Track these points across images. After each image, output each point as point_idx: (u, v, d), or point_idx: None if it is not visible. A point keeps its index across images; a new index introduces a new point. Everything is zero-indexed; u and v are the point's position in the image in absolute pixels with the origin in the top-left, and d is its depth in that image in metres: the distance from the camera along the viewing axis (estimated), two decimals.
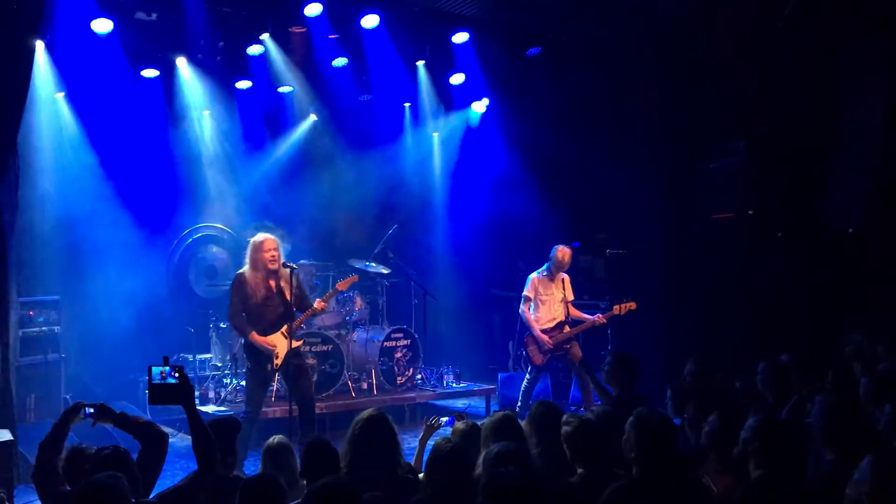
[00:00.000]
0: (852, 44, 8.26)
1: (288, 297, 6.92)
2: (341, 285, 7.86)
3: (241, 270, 7.12)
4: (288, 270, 6.94)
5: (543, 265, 8.59)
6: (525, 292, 8.57)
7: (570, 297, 8.59)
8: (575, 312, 8.54)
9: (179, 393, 3.82)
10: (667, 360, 9.05)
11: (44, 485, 3.92)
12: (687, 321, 9.41)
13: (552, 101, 10.42)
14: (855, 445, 3.73)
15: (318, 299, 7.35)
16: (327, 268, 9.73)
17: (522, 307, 8.57)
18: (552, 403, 4.76)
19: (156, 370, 3.82)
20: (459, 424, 4.69)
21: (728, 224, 9.24)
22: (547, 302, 8.50)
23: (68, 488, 3.89)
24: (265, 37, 9.04)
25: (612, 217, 10.30)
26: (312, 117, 10.92)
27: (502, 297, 11.23)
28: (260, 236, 7.19)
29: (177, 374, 3.81)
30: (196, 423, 3.80)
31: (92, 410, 4.16)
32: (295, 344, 7.04)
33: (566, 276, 8.60)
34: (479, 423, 4.66)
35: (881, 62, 8.12)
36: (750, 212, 9.05)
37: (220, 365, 9.22)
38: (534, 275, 8.59)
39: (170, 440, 4.38)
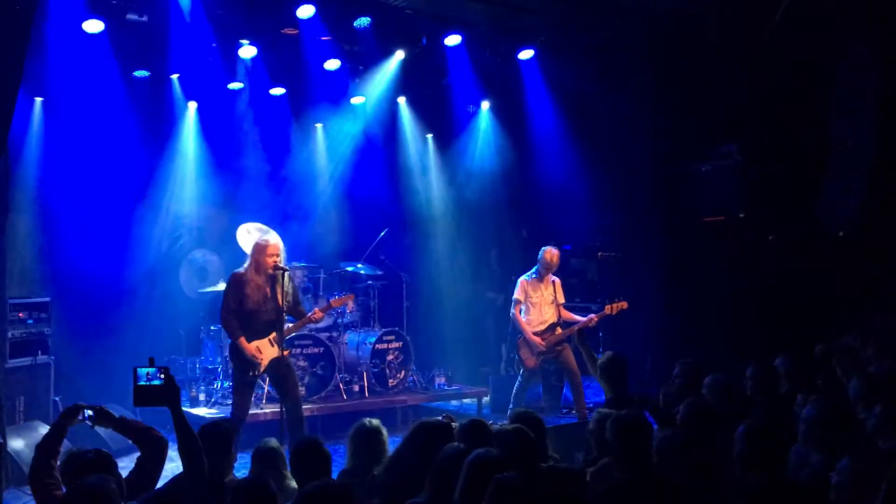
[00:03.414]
0: (844, 47, 8.29)
1: (281, 303, 6.88)
2: (336, 302, 7.83)
3: (239, 270, 7.03)
4: (286, 276, 6.92)
5: (532, 268, 8.59)
6: (515, 295, 8.55)
7: (561, 300, 8.58)
8: (567, 315, 8.54)
9: (165, 394, 3.79)
10: (659, 362, 9.08)
11: (39, 487, 3.88)
12: (679, 323, 9.43)
13: (545, 103, 10.43)
14: (843, 447, 3.73)
15: (316, 309, 7.31)
16: (318, 270, 9.70)
17: (513, 310, 8.56)
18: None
19: (141, 371, 3.79)
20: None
21: (720, 227, 9.26)
22: (537, 304, 8.49)
23: (64, 490, 3.86)
24: (257, 38, 9.04)
25: (604, 219, 10.31)
26: (318, 126, 10.94)
27: (494, 299, 11.24)
28: (264, 238, 7.14)
29: (162, 376, 3.77)
30: (182, 426, 3.78)
31: (90, 413, 4.12)
32: (284, 353, 6.99)
33: (557, 280, 8.60)
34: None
35: (873, 65, 8.15)
36: (742, 215, 9.07)
37: (210, 367, 9.18)
38: (523, 278, 8.58)
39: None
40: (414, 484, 3.85)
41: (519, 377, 8.73)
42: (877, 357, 5.96)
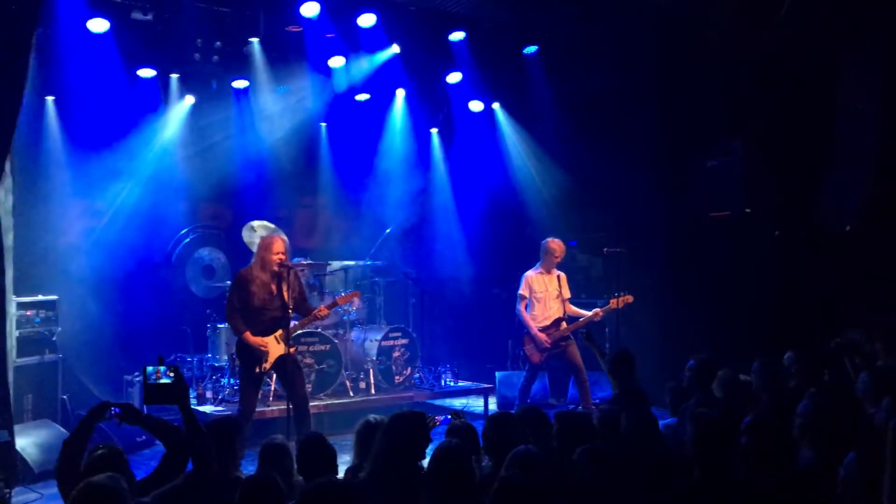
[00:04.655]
0: (849, 42, 8.26)
1: (287, 300, 6.89)
2: (342, 300, 7.84)
3: (245, 268, 7.08)
4: (292, 273, 6.93)
5: (537, 263, 8.58)
6: (520, 291, 8.54)
7: (567, 294, 8.57)
8: (572, 310, 8.52)
9: (174, 392, 3.83)
10: (664, 358, 9.06)
11: (66, 483, 3.90)
12: (684, 319, 9.41)
13: (549, 99, 10.42)
14: (836, 444, 3.73)
15: (321, 306, 7.35)
16: (323, 267, 9.71)
17: (518, 306, 8.55)
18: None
19: (150, 370, 3.83)
20: (456, 423, 4.70)
21: (725, 222, 9.25)
22: (542, 299, 8.47)
23: None
24: (262, 36, 9.05)
25: (609, 215, 10.29)
26: (322, 125, 10.97)
27: (500, 295, 11.23)
28: (270, 237, 7.18)
29: (171, 374, 3.81)
30: (191, 423, 3.80)
31: (118, 410, 4.16)
32: (290, 350, 7.00)
33: (562, 274, 8.58)
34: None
35: (877, 60, 8.13)
36: (747, 210, 9.06)
37: (217, 365, 9.21)
38: (528, 272, 8.57)
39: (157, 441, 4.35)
40: (404, 481, 3.87)
41: (525, 373, 8.73)
42: (884, 352, 5.94)
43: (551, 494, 3.30)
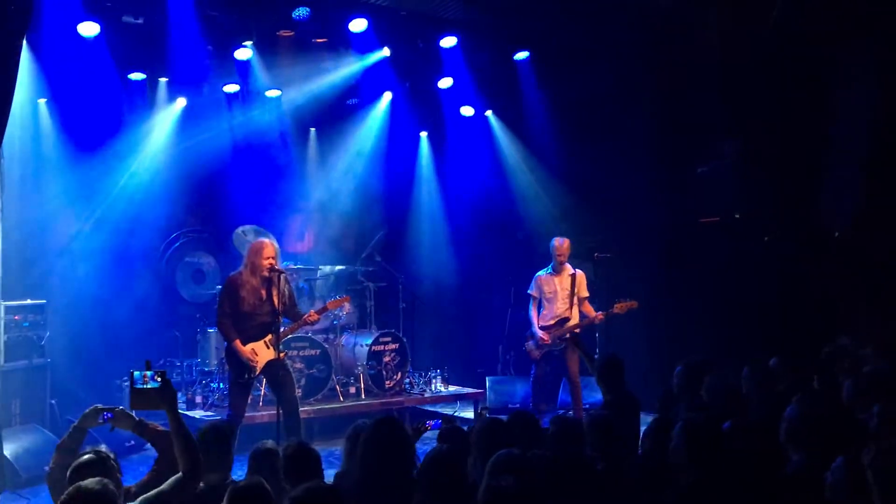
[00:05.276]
0: (841, 47, 8.29)
1: (277, 305, 6.88)
2: (332, 304, 7.83)
3: (235, 273, 7.06)
4: (282, 278, 6.92)
5: (549, 265, 8.58)
6: (530, 291, 8.58)
7: (584, 294, 8.54)
8: (588, 309, 8.48)
9: (162, 397, 3.80)
10: (657, 362, 9.07)
11: (58, 488, 3.88)
12: (674, 324, 9.43)
13: (540, 104, 10.43)
14: (824, 448, 3.74)
15: (312, 311, 7.32)
16: (314, 272, 9.70)
17: (530, 306, 8.58)
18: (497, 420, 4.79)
19: (137, 374, 3.80)
20: (448, 428, 4.70)
21: (715, 228, 9.27)
22: (552, 299, 8.46)
23: None
24: (253, 41, 9.05)
25: (600, 220, 10.31)
26: (312, 130, 10.97)
27: (492, 300, 11.23)
28: (260, 241, 7.16)
29: (159, 379, 3.78)
30: (179, 428, 3.78)
31: (110, 415, 4.13)
32: (280, 355, 6.98)
33: (579, 272, 8.54)
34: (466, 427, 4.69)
35: (870, 65, 8.16)
36: (737, 216, 9.08)
37: (207, 369, 9.18)
38: (539, 273, 8.58)
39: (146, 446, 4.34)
40: (395, 486, 3.86)
41: (532, 370, 8.69)
42: (874, 356, 5.96)
43: (536, 497, 3.29)
